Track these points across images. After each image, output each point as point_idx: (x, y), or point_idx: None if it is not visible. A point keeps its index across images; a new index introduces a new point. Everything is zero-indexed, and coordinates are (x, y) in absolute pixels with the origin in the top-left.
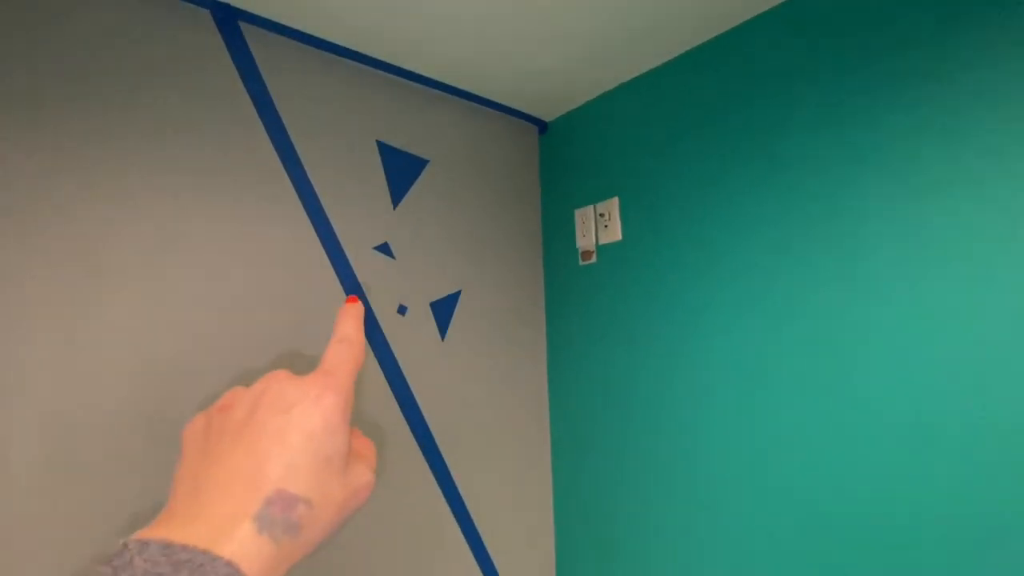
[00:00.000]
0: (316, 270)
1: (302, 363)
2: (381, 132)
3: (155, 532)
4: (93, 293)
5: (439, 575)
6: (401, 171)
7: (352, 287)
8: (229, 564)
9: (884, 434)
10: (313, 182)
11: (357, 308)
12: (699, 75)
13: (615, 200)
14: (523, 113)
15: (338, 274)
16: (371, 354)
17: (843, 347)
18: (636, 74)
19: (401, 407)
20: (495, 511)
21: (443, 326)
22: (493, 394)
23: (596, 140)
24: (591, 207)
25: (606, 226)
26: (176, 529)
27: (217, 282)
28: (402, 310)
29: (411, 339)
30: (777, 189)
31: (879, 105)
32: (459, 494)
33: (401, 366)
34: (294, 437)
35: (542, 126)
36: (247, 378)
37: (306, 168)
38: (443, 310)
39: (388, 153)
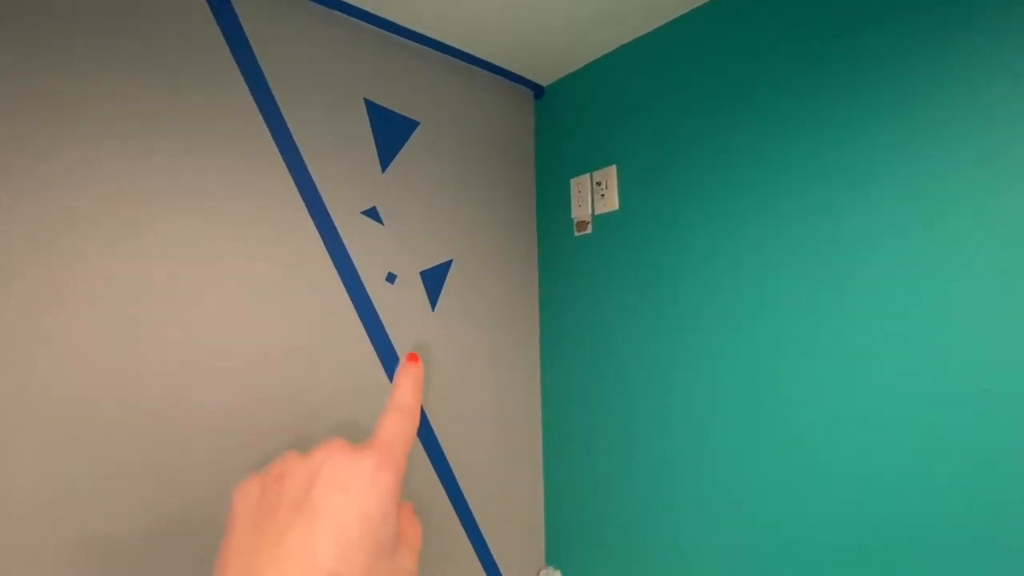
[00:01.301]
0: (300, 232)
1: (286, 335)
2: (369, 90)
3: None
4: (70, 263)
5: (430, 549)
6: (390, 132)
7: (339, 252)
8: None
9: (885, 405)
10: (297, 140)
11: (417, 371)
12: (704, 36)
13: (612, 168)
14: (519, 76)
15: (323, 238)
16: (359, 323)
17: (848, 323)
18: (639, 34)
19: (389, 377)
20: (486, 484)
21: (433, 296)
22: (484, 366)
23: (594, 106)
24: (587, 175)
25: (603, 195)
26: None
27: (195, 245)
28: (391, 278)
29: (400, 308)
30: (784, 158)
31: (897, 64)
32: (449, 467)
33: (390, 335)
34: (350, 519)
35: (538, 90)
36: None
37: (289, 124)
38: (434, 280)
39: (376, 113)
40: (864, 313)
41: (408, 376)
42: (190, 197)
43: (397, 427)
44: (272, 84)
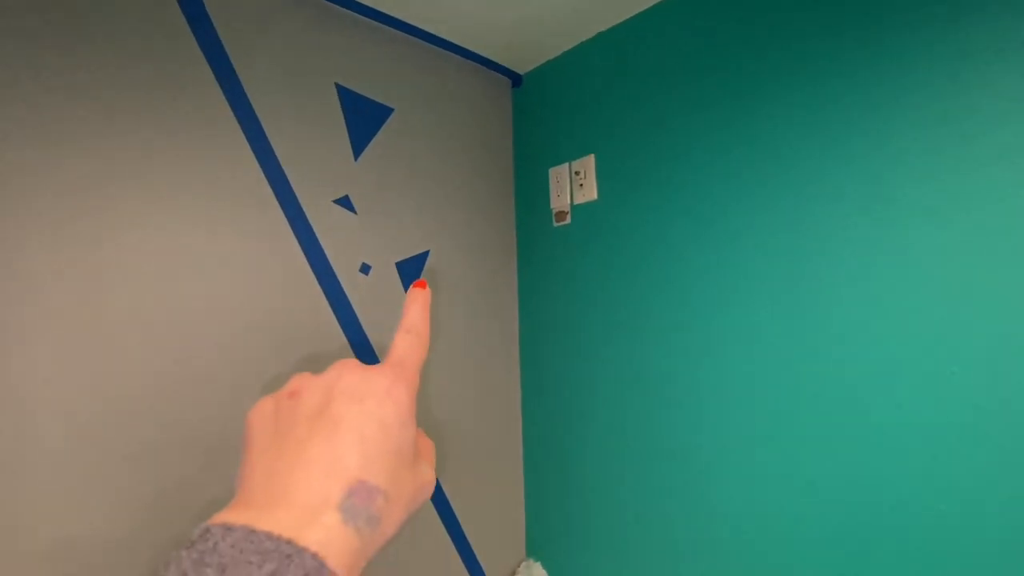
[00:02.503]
0: (269, 222)
1: (250, 318)
2: (341, 75)
3: (236, 517)
4: (21, 254)
5: (408, 541)
6: (363, 119)
7: (309, 241)
8: (316, 556)
9: (879, 394)
10: (265, 126)
11: (424, 295)
12: (683, 23)
13: (591, 158)
14: (497, 64)
15: (293, 228)
16: (332, 315)
17: (836, 313)
18: (616, 22)
19: None
20: (465, 477)
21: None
22: (463, 359)
23: (572, 94)
24: (566, 165)
25: (581, 185)
26: (257, 516)
27: (158, 239)
28: (365, 269)
29: (375, 300)
30: (763, 146)
31: (879, 56)
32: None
33: (364, 329)
34: (370, 428)
35: (516, 79)
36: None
37: (256, 110)
38: (410, 271)
39: (349, 98)
40: (848, 303)
41: (417, 300)
42: (150, 187)
43: (408, 347)
44: (238, 68)
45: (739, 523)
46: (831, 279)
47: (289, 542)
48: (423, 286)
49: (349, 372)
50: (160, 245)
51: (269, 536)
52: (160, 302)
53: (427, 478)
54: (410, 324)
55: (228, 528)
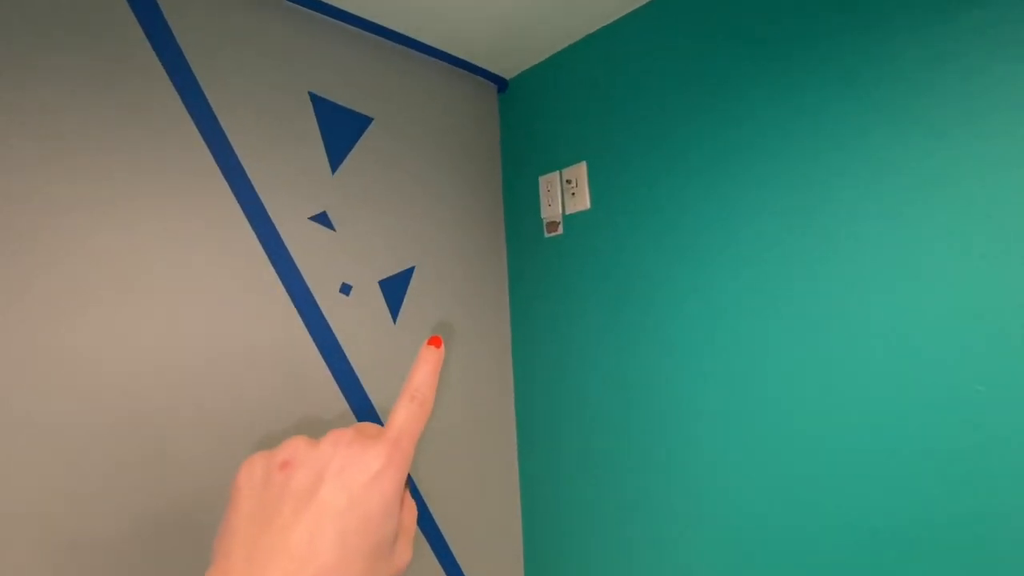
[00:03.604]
0: (238, 243)
1: (227, 358)
2: (315, 83)
3: None
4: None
5: None
6: (340, 130)
7: (283, 261)
8: None
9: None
10: (231, 139)
11: (436, 356)
12: (675, 22)
13: (583, 165)
14: (481, 69)
15: (265, 248)
16: (310, 341)
17: (830, 325)
18: (606, 22)
19: (349, 401)
20: (459, 509)
21: (395, 308)
22: (454, 381)
23: (562, 99)
24: (557, 173)
25: (573, 194)
26: None
27: (110, 262)
28: (345, 289)
29: (357, 323)
30: (764, 150)
31: (879, 57)
32: (419, 494)
33: (347, 354)
34: (353, 522)
35: (502, 84)
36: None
37: (221, 122)
38: (394, 289)
39: (324, 108)
40: (852, 308)
41: (427, 360)
42: (105, 206)
43: (409, 417)
44: (199, 76)
45: (751, 546)
46: (833, 289)
47: None
48: (438, 344)
49: (343, 450)
50: (116, 270)
51: None
52: (115, 331)
53: (404, 559)
54: (415, 389)
55: None
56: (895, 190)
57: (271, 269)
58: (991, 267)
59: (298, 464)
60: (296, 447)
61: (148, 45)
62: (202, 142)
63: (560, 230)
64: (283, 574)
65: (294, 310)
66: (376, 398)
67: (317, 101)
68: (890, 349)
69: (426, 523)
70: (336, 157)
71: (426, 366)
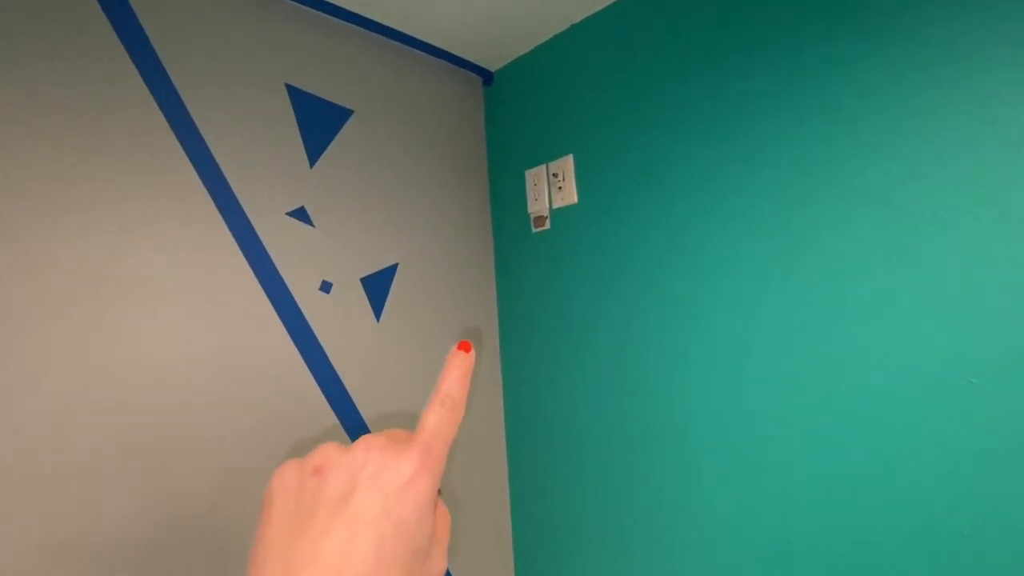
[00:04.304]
0: (212, 239)
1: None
2: (291, 74)
3: None
4: None
5: None
6: (318, 122)
7: (260, 258)
8: None
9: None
10: (203, 131)
11: (467, 362)
12: (663, 11)
13: (569, 159)
14: (466, 61)
15: (240, 244)
16: (289, 341)
17: (818, 318)
18: (592, 12)
19: (330, 402)
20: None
21: (378, 306)
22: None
23: (548, 91)
24: (543, 167)
25: (560, 188)
26: None
27: (79, 263)
28: (326, 287)
29: (339, 322)
30: (754, 142)
31: (874, 50)
32: None
33: (328, 354)
34: (388, 527)
35: (487, 76)
36: None
37: (191, 111)
38: (377, 287)
39: (301, 100)
40: (845, 306)
41: (456, 366)
42: (71, 203)
43: (440, 422)
44: (168, 65)
45: (743, 548)
46: (824, 282)
47: None
48: (467, 348)
49: (376, 455)
50: (81, 272)
51: None
52: (79, 335)
53: (438, 568)
54: (446, 394)
55: None
56: (885, 178)
57: (246, 266)
58: (984, 261)
59: (330, 469)
60: (328, 452)
61: (113, 33)
62: (172, 135)
63: (547, 225)
64: None
65: (271, 309)
66: (359, 399)
67: (294, 93)
68: (880, 341)
69: None
70: (314, 150)
71: (456, 371)
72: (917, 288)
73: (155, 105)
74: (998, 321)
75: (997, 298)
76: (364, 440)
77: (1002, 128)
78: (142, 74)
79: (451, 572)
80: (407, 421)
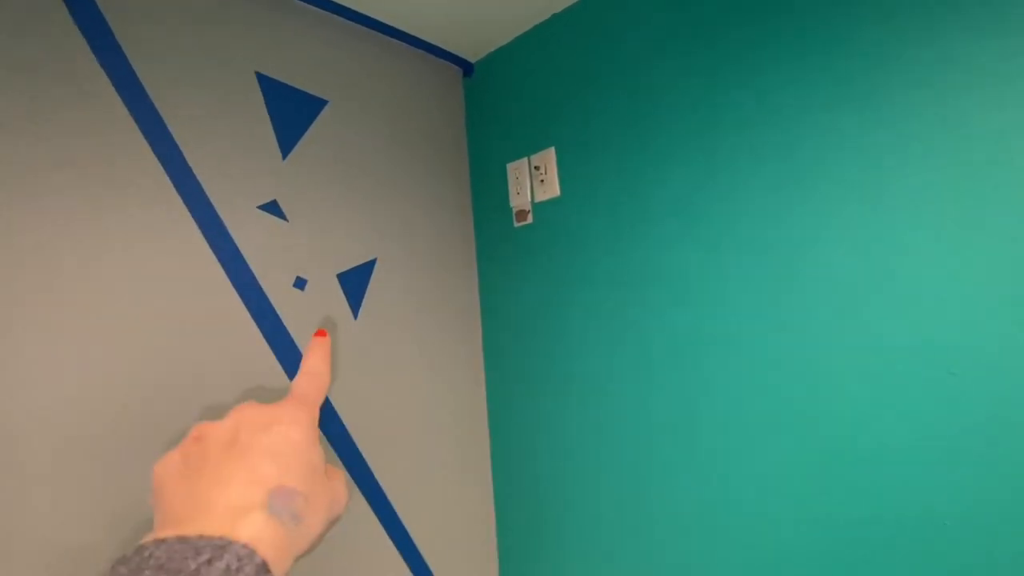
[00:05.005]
0: (178, 235)
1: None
2: (262, 63)
3: (165, 533)
4: None
5: None
6: (291, 112)
7: (229, 254)
8: (246, 545)
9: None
10: (167, 120)
11: (325, 343)
12: (646, 0)
13: (551, 151)
14: (445, 51)
15: (209, 240)
16: (262, 339)
17: (819, 312)
18: (573, 1)
19: None
20: (430, 516)
21: (355, 302)
22: (421, 379)
23: (529, 82)
24: (525, 160)
25: (542, 181)
26: (185, 527)
27: (38, 259)
28: (300, 284)
29: (314, 319)
30: (740, 132)
31: (843, 41)
32: (387, 500)
33: (303, 353)
34: (281, 447)
35: (467, 67)
36: None
37: (154, 100)
38: (354, 283)
39: (273, 89)
40: (825, 301)
41: (317, 346)
42: (29, 197)
43: (308, 384)
44: (128, 52)
45: (733, 550)
46: (814, 276)
47: (221, 537)
48: (324, 335)
49: (251, 409)
50: (41, 267)
51: (201, 537)
52: (42, 332)
53: (340, 490)
54: (310, 367)
55: (159, 541)
56: (865, 172)
57: (216, 263)
58: (962, 254)
59: (209, 432)
60: (203, 425)
61: (69, 17)
62: (134, 123)
63: (530, 219)
64: (227, 495)
65: (243, 308)
66: (337, 402)
67: (265, 82)
68: (858, 334)
69: (394, 527)
70: (287, 142)
71: (318, 350)
72: (895, 281)
73: (115, 94)
74: (977, 314)
75: (975, 291)
76: (235, 408)
77: (976, 126)
78: (100, 60)
79: (435, 574)
80: (388, 424)
